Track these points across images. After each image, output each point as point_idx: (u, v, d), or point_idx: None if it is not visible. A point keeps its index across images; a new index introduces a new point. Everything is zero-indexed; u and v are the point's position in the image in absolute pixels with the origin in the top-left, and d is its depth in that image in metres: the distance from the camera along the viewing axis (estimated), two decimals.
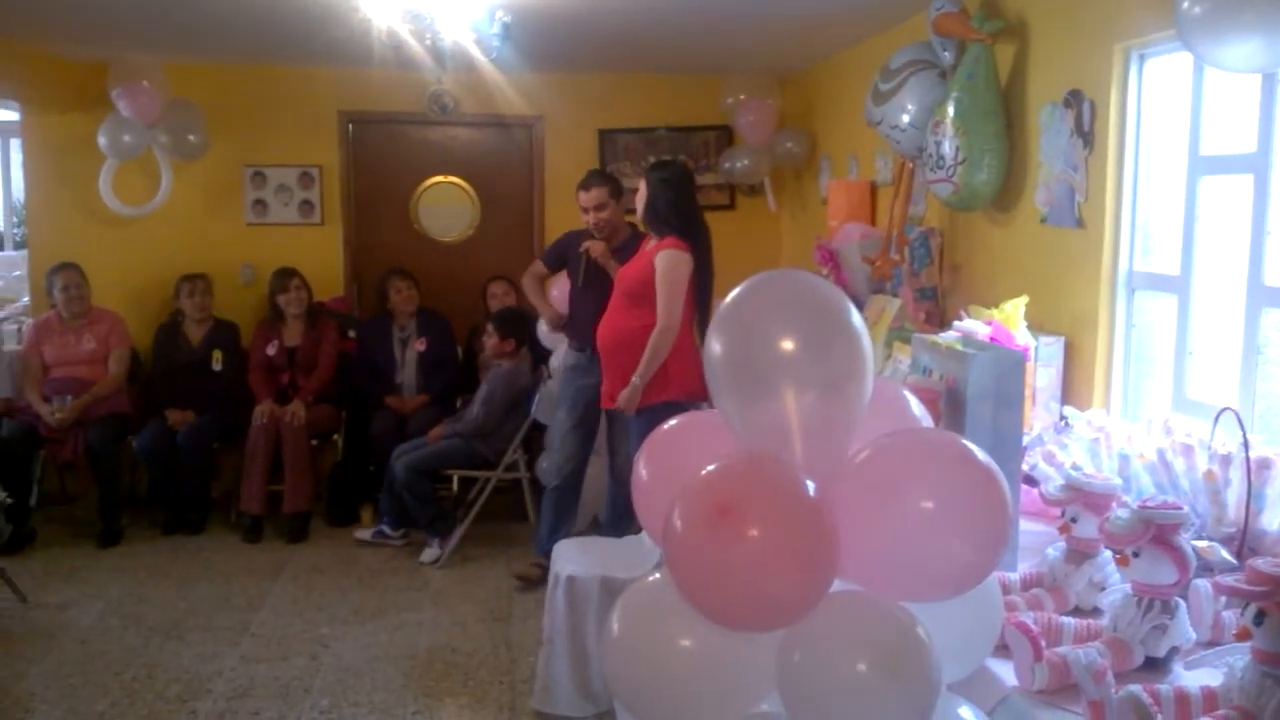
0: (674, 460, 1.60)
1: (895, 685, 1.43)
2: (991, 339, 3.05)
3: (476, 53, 4.08)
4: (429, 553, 5.08)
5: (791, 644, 1.46)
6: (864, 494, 1.47)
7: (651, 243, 4.21)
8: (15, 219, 7.08)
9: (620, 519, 4.47)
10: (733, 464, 1.44)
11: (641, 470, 1.66)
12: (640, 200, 4.21)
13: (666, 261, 4.05)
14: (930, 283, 4.09)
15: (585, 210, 4.54)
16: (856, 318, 1.51)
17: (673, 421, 1.73)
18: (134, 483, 5.75)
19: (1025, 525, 2.59)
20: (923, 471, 1.48)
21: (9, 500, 4.46)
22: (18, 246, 6.86)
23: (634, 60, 5.80)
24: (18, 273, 6.36)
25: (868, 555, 1.48)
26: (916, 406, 1.72)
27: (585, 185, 4.55)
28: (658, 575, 1.54)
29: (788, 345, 1.45)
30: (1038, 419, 3.13)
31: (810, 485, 1.43)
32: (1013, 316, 3.13)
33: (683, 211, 4.14)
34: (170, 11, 4.47)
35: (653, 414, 3.92)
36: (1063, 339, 3.21)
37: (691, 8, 4.40)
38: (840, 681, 1.44)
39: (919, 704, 1.45)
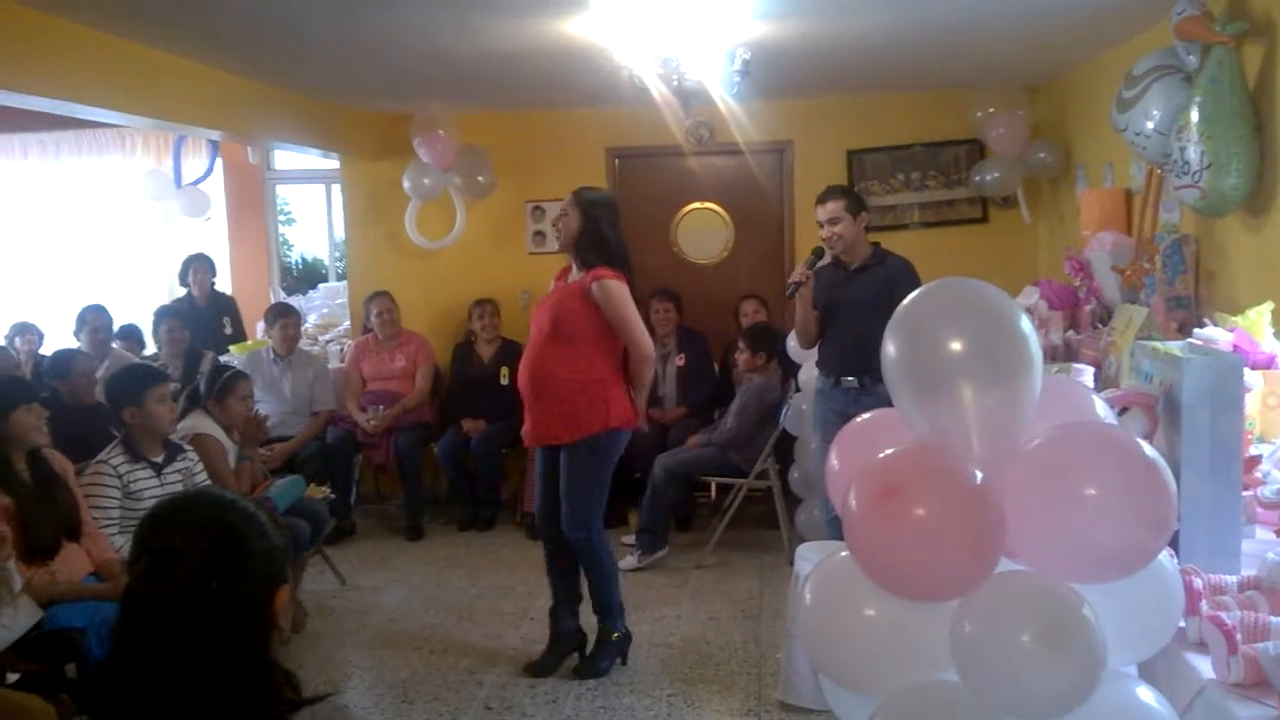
0: (861, 449, 1.81)
1: (1058, 657, 1.57)
2: (1234, 346, 2.99)
3: (719, 90, 4.35)
4: (629, 560, 5.35)
5: (963, 615, 1.64)
6: (1032, 480, 1.63)
7: (574, 273, 4.04)
8: (337, 254, 8.11)
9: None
10: (899, 451, 1.65)
11: (833, 459, 1.88)
12: (568, 225, 4.03)
13: (614, 291, 3.87)
14: (1184, 291, 3.97)
15: (820, 224, 4.39)
16: (1025, 321, 1.67)
17: (866, 415, 1.94)
18: (435, 484, 6.50)
19: (1261, 534, 2.57)
20: (1087, 460, 1.61)
21: (333, 496, 5.14)
22: (339, 278, 7.88)
23: (879, 80, 5.90)
24: (340, 300, 7.32)
25: (1036, 537, 1.64)
26: (1100, 406, 1.84)
27: (822, 199, 4.40)
28: (845, 552, 1.76)
29: (957, 346, 1.64)
30: None
31: (974, 472, 1.61)
32: (1257, 324, 3.05)
33: (620, 241, 4.01)
34: (461, 68, 5.07)
35: (595, 442, 3.90)
36: None
37: (928, 28, 4.46)
38: (1007, 651, 1.60)
39: (1083, 676, 1.59)
